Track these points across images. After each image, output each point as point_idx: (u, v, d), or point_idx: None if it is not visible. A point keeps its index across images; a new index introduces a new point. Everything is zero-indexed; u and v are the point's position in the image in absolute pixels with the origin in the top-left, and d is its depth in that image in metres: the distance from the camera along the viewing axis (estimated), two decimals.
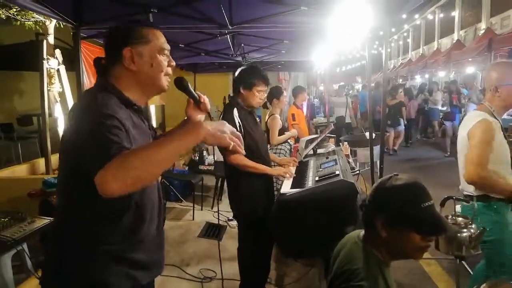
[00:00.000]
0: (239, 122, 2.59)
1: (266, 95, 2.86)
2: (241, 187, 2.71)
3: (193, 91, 1.54)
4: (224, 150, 2.68)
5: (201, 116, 1.60)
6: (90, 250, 1.27)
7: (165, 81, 1.41)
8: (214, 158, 6.26)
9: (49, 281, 1.34)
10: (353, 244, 1.37)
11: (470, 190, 2.16)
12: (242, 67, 2.81)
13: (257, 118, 2.92)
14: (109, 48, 1.38)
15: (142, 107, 1.43)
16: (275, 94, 4.48)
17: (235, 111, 2.63)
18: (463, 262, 2.35)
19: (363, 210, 1.35)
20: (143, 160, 1.05)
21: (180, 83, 1.48)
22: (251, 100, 2.69)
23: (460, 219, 1.97)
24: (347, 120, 8.82)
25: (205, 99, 1.56)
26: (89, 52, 4.27)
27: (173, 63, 1.44)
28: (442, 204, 2.00)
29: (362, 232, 1.39)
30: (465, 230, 1.90)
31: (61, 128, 4.74)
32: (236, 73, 2.78)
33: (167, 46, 1.42)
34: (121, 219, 1.30)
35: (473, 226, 1.93)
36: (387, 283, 1.25)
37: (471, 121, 2.12)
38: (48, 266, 1.34)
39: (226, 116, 2.64)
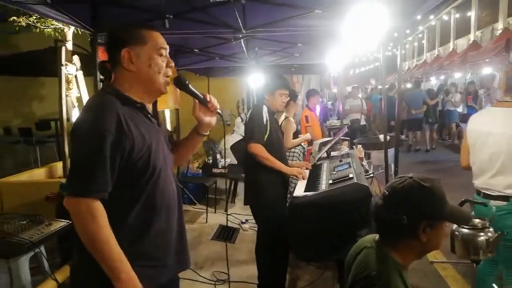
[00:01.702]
0: (266, 117, 2.81)
1: (288, 98, 3.00)
2: (260, 181, 2.80)
3: (195, 90, 1.51)
4: (247, 139, 2.78)
5: (211, 118, 1.57)
6: None
7: (164, 82, 1.42)
8: (227, 161, 6.30)
9: (74, 276, 1.38)
10: (369, 250, 1.33)
11: (506, 191, 2.16)
12: (265, 76, 3.02)
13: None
14: (109, 51, 1.41)
15: (145, 105, 1.43)
16: (290, 97, 4.48)
17: (265, 108, 2.86)
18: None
19: (393, 223, 1.24)
20: (93, 241, 1.21)
21: (179, 82, 1.48)
22: (275, 103, 2.94)
23: (477, 220, 1.93)
24: (362, 122, 8.77)
25: (211, 98, 1.53)
26: (106, 58, 4.35)
27: (172, 64, 1.45)
28: (461, 206, 1.98)
29: (377, 236, 1.36)
30: (482, 233, 1.87)
31: None
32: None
33: (165, 47, 1.43)
34: (129, 215, 1.32)
35: (491, 229, 1.89)
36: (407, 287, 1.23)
37: None
38: (73, 261, 1.39)
39: (255, 111, 2.86)
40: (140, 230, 1.34)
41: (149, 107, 1.47)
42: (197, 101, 1.53)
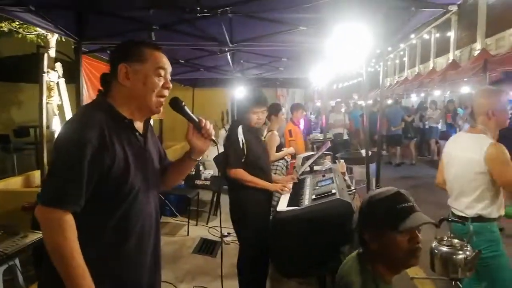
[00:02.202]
0: (242, 140, 2.79)
1: (265, 114, 2.99)
2: (242, 198, 2.80)
3: (191, 113, 1.46)
4: (225, 164, 2.78)
5: (204, 144, 1.50)
6: None
7: (156, 101, 1.39)
8: (210, 173, 6.26)
9: None
10: (351, 261, 1.42)
11: (466, 211, 2.25)
12: (246, 92, 3.01)
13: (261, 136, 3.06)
14: (111, 63, 1.41)
15: (133, 122, 1.40)
16: (273, 110, 4.52)
17: (240, 128, 2.84)
18: (458, 282, 2.35)
19: (356, 230, 1.40)
20: (58, 253, 1.19)
21: (175, 104, 1.44)
22: (251, 121, 2.91)
23: (455, 241, 1.97)
24: (345, 136, 8.91)
25: (207, 123, 1.48)
26: (90, 66, 4.30)
27: (170, 86, 1.43)
28: (438, 225, 2.01)
29: (359, 250, 1.43)
30: (460, 252, 1.91)
31: None
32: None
33: (165, 68, 1.41)
34: (101, 233, 1.29)
35: (469, 248, 1.93)
36: None
37: (481, 145, 2.20)
38: (43, 280, 1.35)
39: (232, 133, 2.86)
40: (111, 250, 1.31)
41: (139, 126, 1.44)
42: (191, 124, 1.48)
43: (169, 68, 1.44)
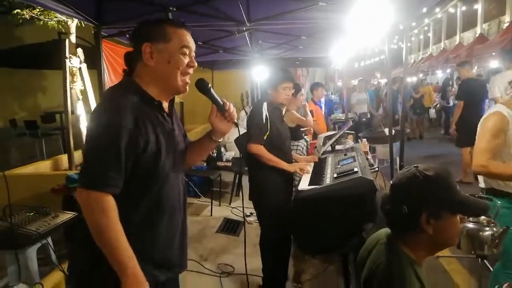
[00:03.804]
0: (266, 115, 2.77)
1: (292, 91, 2.97)
2: (262, 180, 2.80)
3: (216, 95, 1.46)
4: (247, 139, 2.78)
5: (226, 126, 1.51)
6: None
7: (181, 80, 1.39)
8: (232, 154, 6.30)
9: (77, 274, 1.39)
10: (381, 245, 1.30)
11: (482, 183, 2.21)
12: (268, 71, 2.96)
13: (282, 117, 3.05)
14: (133, 44, 1.40)
15: (162, 104, 1.41)
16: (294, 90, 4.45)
17: (265, 104, 2.82)
18: (485, 261, 2.31)
19: (396, 214, 1.23)
20: (102, 234, 1.22)
21: (201, 85, 1.44)
22: (278, 98, 2.88)
23: (482, 217, 1.92)
24: (369, 116, 8.71)
25: (230, 106, 1.49)
26: (110, 50, 4.35)
27: (195, 64, 1.42)
28: None
29: (389, 230, 1.32)
30: (487, 228, 1.86)
31: (83, 125, 4.85)
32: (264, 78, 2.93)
33: (189, 46, 1.40)
34: (135, 213, 1.32)
35: (496, 224, 1.89)
36: (422, 283, 1.19)
37: (487, 113, 2.18)
38: (78, 259, 1.40)
39: (256, 109, 2.83)
40: (145, 229, 1.35)
41: (165, 106, 1.44)
42: (215, 106, 1.48)
43: (193, 46, 1.42)
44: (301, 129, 4.50)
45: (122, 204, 1.28)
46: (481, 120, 2.18)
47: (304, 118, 4.28)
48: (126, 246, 1.24)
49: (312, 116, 5.45)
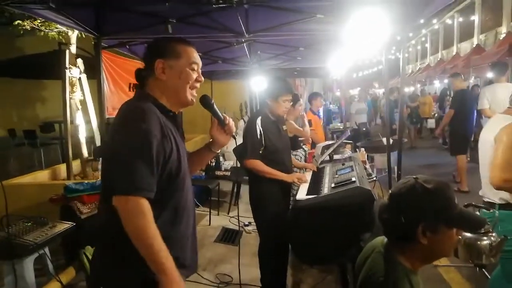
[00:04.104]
0: (260, 130, 2.78)
1: (290, 103, 3.03)
2: (261, 192, 2.81)
3: (218, 111, 1.60)
4: (243, 154, 2.80)
5: (225, 139, 1.66)
6: None
7: (190, 94, 1.51)
8: (230, 164, 6.30)
9: (102, 274, 1.43)
10: (377, 254, 1.31)
11: (492, 197, 2.15)
12: (269, 79, 3.01)
13: (283, 127, 3.06)
14: (146, 60, 1.50)
15: (176, 114, 1.53)
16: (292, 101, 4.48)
17: (259, 119, 2.83)
18: (483, 270, 2.30)
19: (393, 224, 1.25)
20: (143, 238, 1.27)
21: (205, 101, 1.58)
22: (278, 110, 2.91)
23: None
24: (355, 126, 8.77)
25: (230, 121, 1.63)
26: (110, 61, 4.39)
27: (201, 79, 1.54)
28: None
29: (385, 239, 1.33)
30: (485, 238, 1.86)
31: (82, 135, 4.86)
32: (263, 86, 2.94)
33: (198, 62, 1.52)
34: (159, 216, 1.37)
35: (494, 234, 1.89)
36: None
37: (499, 125, 2.10)
38: (102, 260, 1.43)
39: (250, 124, 2.85)
40: (167, 231, 1.39)
41: None
42: (216, 120, 1.63)
43: (200, 62, 1.54)
44: (299, 138, 4.51)
45: (151, 206, 1.34)
46: (498, 132, 2.08)
47: (301, 129, 4.29)
48: (163, 247, 1.30)
49: (311, 126, 5.48)
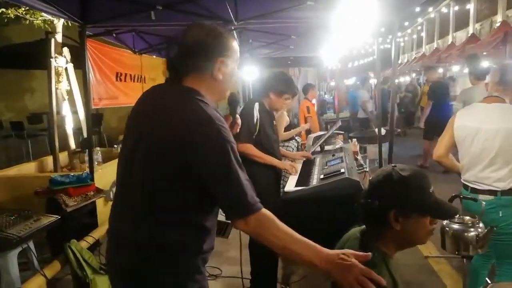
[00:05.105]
0: (257, 116, 2.76)
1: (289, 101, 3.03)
2: (253, 177, 2.76)
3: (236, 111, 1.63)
4: (235, 137, 2.76)
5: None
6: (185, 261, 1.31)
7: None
8: None
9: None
10: (354, 240, 1.35)
11: (496, 184, 2.15)
12: (276, 73, 2.99)
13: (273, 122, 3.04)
14: (198, 56, 1.32)
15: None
16: None
17: (257, 105, 2.81)
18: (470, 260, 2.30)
19: (368, 208, 1.28)
20: (287, 243, 1.24)
21: (233, 99, 1.60)
22: (277, 105, 2.92)
23: (467, 218, 1.91)
24: (362, 115, 8.62)
25: (238, 122, 1.63)
26: (96, 50, 4.28)
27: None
28: (450, 202, 1.95)
29: (362, 227, 1.37)
30: (472, 229, 1.84)
31: (69, 126, 4.75)
32: (268, 76, 3.00)
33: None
34: (209, 214, 1.34)
35: (481, 225, 1.87)
36: (392, 275, 1.22)
37: None
38: (136, 272, 1.30)
39: (245, 110, 2.81)
40: (209, 234, 1.36)
41: None
42: (230, 117, 1.63)
43: None
44: (292, 130, 4.48)
45: (203, 211, 1.31)
46: None
47: (291, 132, 4.36)
48: (306, 241, 1.25)
49: (309, 112, 5.47)
